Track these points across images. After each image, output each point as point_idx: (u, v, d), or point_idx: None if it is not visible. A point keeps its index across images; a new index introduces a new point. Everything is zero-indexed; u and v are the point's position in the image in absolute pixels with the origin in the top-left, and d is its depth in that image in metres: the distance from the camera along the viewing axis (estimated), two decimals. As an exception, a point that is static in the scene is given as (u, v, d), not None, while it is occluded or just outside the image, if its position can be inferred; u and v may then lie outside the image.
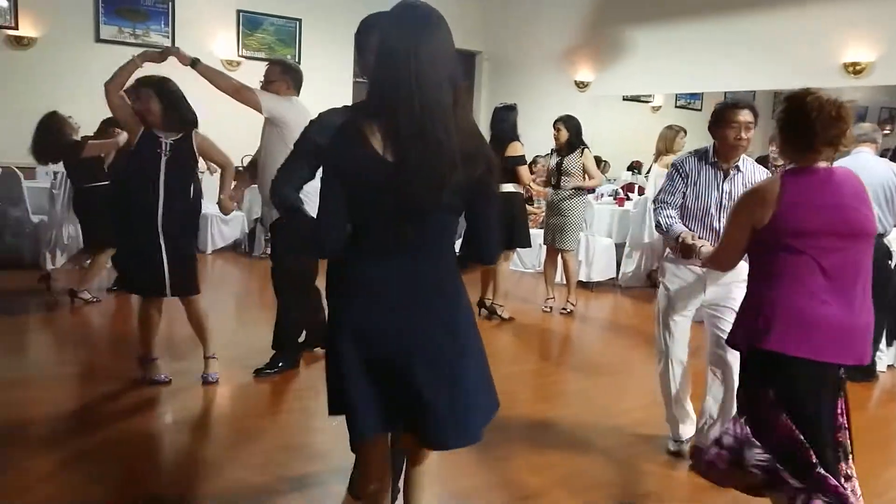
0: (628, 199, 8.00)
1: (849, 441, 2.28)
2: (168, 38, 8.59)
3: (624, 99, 10.15)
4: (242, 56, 9.01)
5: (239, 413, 3.76)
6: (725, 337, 3.07)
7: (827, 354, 2.16)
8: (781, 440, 2.19)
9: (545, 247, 6.42)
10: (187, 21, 8.69)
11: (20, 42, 7.83)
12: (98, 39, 8.14)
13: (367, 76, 1.91)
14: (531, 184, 5.94)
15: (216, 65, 8.59)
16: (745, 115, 3.03)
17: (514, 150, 5.59)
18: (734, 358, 3.03)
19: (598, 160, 6.83)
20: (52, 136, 5.45)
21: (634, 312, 6.64)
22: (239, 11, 9.04)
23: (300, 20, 9.40)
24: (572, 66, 9.91)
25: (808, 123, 2.17)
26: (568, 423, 3.72)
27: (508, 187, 5.59)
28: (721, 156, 3.10)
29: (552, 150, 6.20)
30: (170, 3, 8.56)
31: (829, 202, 2.18)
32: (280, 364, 4.20)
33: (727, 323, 3.13)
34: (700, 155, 3.15)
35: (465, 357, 1.88)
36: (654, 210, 3.17)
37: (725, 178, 3.09)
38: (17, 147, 7.62)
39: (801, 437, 2.16)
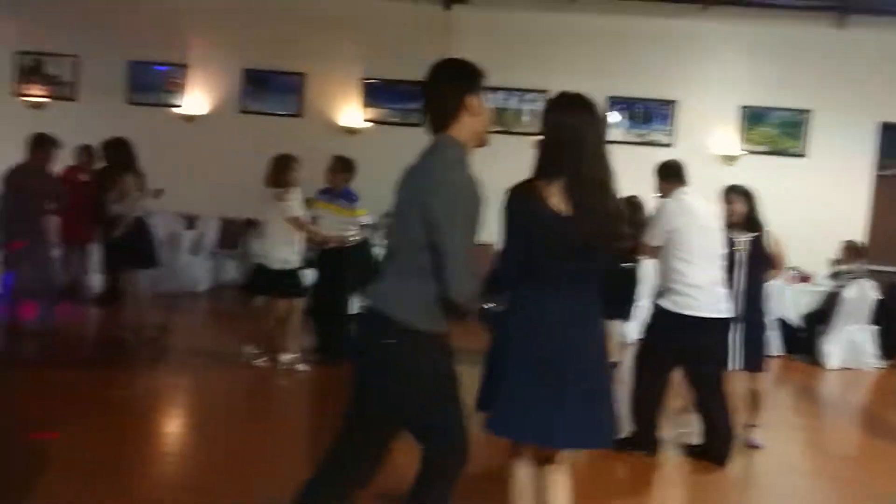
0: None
1: None
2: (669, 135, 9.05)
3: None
4: (744, 150, 8.95)
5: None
6: None
7: None
8: None
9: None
10: (687, 120, 9.01)
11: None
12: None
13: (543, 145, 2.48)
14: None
15: (712, 160, 8.65)
16: None
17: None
18: None
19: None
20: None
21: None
22: (743, 107, 8.96)
23: (810, 111, 8.86)
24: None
25: None
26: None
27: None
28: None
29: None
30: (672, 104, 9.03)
31: None
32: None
33: None
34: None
35: (604, 372, 2.51)
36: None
37: None
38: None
39: None
